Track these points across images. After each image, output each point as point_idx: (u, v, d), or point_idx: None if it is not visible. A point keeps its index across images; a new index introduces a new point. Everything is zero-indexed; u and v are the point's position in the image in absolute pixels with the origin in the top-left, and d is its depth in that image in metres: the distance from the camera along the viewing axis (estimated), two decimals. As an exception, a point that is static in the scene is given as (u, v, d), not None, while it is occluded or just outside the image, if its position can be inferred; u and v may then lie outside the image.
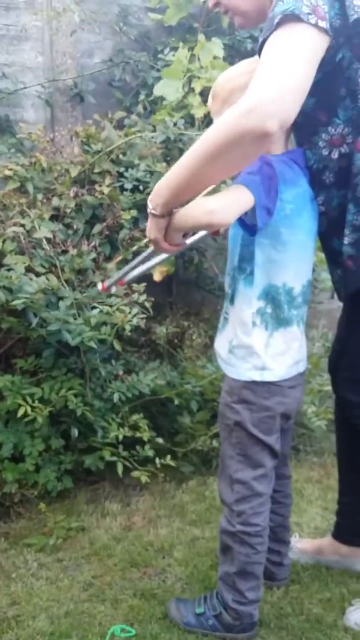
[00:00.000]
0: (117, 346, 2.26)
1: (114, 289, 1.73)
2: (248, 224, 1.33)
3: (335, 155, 1.30)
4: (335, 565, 1.86)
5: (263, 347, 1.44)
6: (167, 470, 2.34)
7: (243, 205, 1.25)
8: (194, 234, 1.41)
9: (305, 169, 1.43)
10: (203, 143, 1.13)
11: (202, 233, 1.52)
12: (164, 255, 1.51)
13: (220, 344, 1.55)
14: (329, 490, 2.38)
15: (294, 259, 1.41)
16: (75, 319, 2.13)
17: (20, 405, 2.08)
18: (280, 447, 1.55)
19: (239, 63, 1.46)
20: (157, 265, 1.61)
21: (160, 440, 2.37)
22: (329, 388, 2.22)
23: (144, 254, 1.52)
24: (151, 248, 1.44)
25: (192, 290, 3.00)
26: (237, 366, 1.47)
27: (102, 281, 1.95)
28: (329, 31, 1.10)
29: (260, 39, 1.15)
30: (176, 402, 2.41)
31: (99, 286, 1.76)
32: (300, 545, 1.93)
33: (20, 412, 2.07)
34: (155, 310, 2.55)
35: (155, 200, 1.25)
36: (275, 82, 1.05)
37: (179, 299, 3.01)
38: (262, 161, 1.29)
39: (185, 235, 1.34)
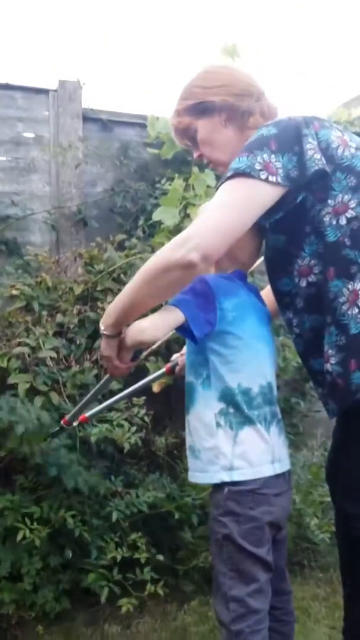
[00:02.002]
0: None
1: (75, 423, 1.83)
2: (193, 335, 1.44)
3: (303, 283, 1.44)
4: None
5: (229, 447, 1.46)
6: (168, 591, 2.27)
7: (171, 322, 1.38)
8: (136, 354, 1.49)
9: (246, 284, 1.58)
10: (142, 270, 1.31)
11: (158, 372, 1.69)
12: (125, 392, 1.71)
13: (188, 455, 1.57)
14: (337, 609, 2.30)
15: (245, 361, 1.49)
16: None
17: (19, 529, 2.08)
18: (276, 560, 1.52)
19: None
20: (120, 400, 1.78)
21: (160, 557, 2.32)
22: (329, 499, 2.21)
23: (98, 385, 1.64)
24: (103, 380, 1.57)
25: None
26: (205, 470, 1.49)
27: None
28: (281, 182, 1.29)
29: (215, 188, 1.37)
30: (176, 516, 2.38)
31: (61, 421, 1.86)
32: (309, 669, 1.85)
33: (20, 536, 2.07)
34: (154, 421, 2.59)
35: (105, 320, 1.38)
36: (204, 224, 1.27)
37: (178, 409, 3.04)
38: (196, 279, 1.43)
39: (134, 359, 1.44)
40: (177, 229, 2.89)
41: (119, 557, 2.20)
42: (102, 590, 2.17)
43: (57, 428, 2.09)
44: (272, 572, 1.52)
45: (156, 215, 2.94)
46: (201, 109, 1.51)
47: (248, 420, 1.47)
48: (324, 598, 2.44)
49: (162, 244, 2.77)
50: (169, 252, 1.26)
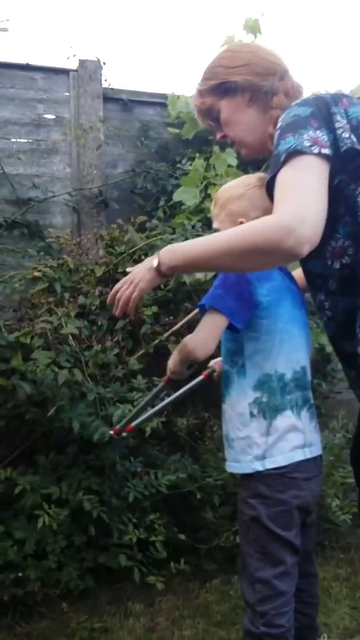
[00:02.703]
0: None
1: (124, 433, 1.85)
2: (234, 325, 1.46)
3: (337, 265, 1.39)
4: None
5: (263, 437, 1.47)
6: (190, 569, 2.30)
7: (217, 331, 1.45)
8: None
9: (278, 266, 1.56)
10: (238, 237, 1.20)
11: (197, 380, 1.71)
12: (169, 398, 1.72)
13: (224, 444, 1.58)
14: (358, 589, 2.31)
15: (280, 346, 1.49)
16: (97, 416, 2.21)
17: (38, 515, 2.12)
18: (304, 544, 1.53)
19: (239, 178, 1.64)
20: (161, 410, 1.82)
21: (182, 536, 2.34)
22: (352, 480, 2.21)
23: (150, 395, 1.69)
24: (157, 388, 1.62)
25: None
26: (238, 460, 1.50)
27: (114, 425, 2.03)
28: (330, 157, 1.23)
29: (269, 176, 1.28)
30: (198, 496, 2.40)
31: (111, 431, 1.88)
32: (330, 648, 1.86)
33: (40, 523, 2.10)
34: (176, 402, 2.59)
35: (166, 257, 1.28)
36: (304, 210, 1.16)
37: (199, 391, 3.04)
38: None
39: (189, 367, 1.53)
40: (198, 210, 2.87)
41: (134, 539, 2.23)
42: (131, 570, 2.22)
43: (107, 438, 2.14)
44: (299, 555, 1.52)
45: (177, 196, 2.92)
46: (224, 89, 1.47)
47: (281, 408, 1.48)
48: (345, 578, 2.45)
49: (183, 225, 2.79)
50: (277, 237, 1.13)
